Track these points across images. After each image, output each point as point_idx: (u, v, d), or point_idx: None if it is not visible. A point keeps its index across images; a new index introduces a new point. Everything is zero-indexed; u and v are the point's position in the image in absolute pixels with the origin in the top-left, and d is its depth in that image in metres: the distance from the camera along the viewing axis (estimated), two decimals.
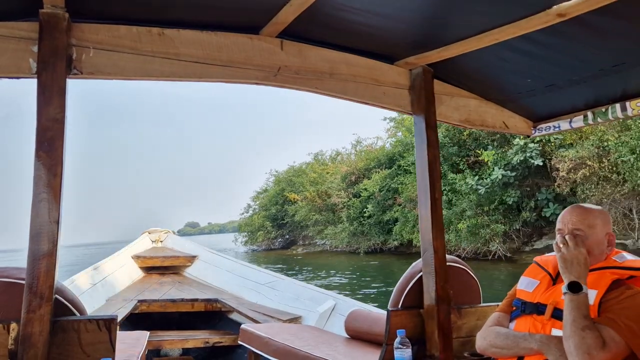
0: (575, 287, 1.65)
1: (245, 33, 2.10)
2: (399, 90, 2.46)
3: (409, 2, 1.90)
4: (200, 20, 2.00)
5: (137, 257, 6.43)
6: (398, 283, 2.54)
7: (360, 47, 2.33)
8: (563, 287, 1.68)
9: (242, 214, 42.26)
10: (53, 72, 1.75)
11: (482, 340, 1.92)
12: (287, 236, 37.49)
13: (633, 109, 2.43)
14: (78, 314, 1.89)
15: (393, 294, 2.53)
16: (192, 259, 6.64)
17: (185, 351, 4.69)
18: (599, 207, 1.88)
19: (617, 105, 2.49)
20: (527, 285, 1.92)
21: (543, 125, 2.84)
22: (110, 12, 1.88)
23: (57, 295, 1.77)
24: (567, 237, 1.76)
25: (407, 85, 2.48)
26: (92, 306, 4.66)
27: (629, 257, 1.79)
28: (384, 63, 2.43)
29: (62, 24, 1.76)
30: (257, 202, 40.78)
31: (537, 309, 1.80)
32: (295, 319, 4.48)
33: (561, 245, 1.74)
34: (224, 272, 6.19)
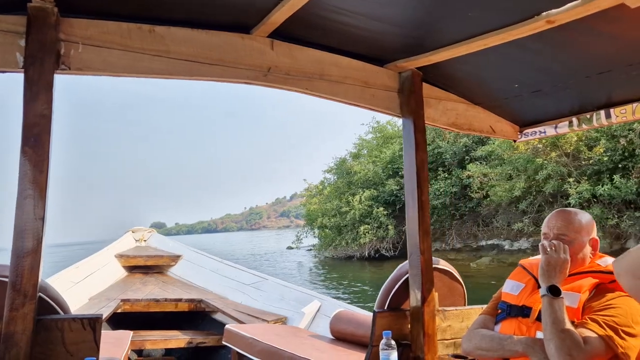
0: (556, 291, 1.68)
1: (236, 32, 2.09)
2: (389, 93, 2.47)
3: (400, 6, 1.92)
4: (192, 18, 1.99)
5: (120, 256, 6.36)
6: (384, 285, 2.56)
7: (350, 49, 2.34)
8: (542, 290, 1.71)
9: (309, 196, 25.50)
10: (40, 67, 1.72)
11: (468, 343, 1.94)
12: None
13: (617, 116, 2.48)
14: (62, 313, 1.87)
15: (379, 295, 2.54)
16: (176, 258, 6.59)
17: (168, 351, 4.65)
18: (585, 212, 1.91)
19: (602, 112, 2.53)
20: (512, 289, 1.94)
21: (529, 130, 2.88)
22: (100, 8, 1.86)
23: (40, 294, 1.75)
24: (555, 242, 1.79)
25: (397, 88, 2.49)
26: (74, 305, 4.60)
27: (611, 261, 1.82)
28: (374, 65, 2.44)
29: (51, 19, 1.74)
30: (340, 175, 23.88)
31: (522, 311, 1.83)
32: (280, 320, 4.47)
33: (549, 250, 1.77)
34: (209, 272, 6.15)
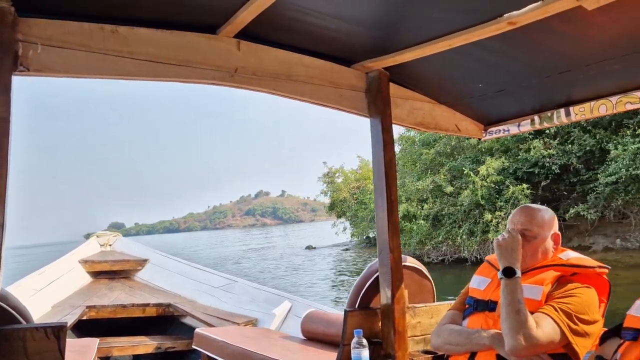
0: (509, 272, 1.74)
1: (202, 32, 2.06)
2: (356, 93, 2.48)
3: (366, 7, 1.93)
4: (156, 18, 1.95)
5: (84, 262, 6.20)
6: (355, 283, 2.57)
7: (317, 50, 2.34)
8: (499, 273, 1.77)
9: (331, 182, 20.80)
10: None
11: (437, 338, 1.98)
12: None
13: (576, 114, 2.57)
14: (24, 322, 1.81)
15: (350, 294, 2.56)
16: (142, 262, 6.47)
17: (136, 358, 4.56)
18: (547, 208, 1.98)
19: (562, 110, 2.62)
20: (479, 284, 1.99)
21: (493, 129, 2.95)
22: (60, 8, 1.81)
23: (1, 303, 1.69)
24: (505, 234, 1.87)
25: (364, 88, 2.50)
26: (37, 314, 4.46)
27: (572, 255, 1.89)
28: (341, 66, 2.45)
29: (8, 19, 1.67)
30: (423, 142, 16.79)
31: (488, 306, 1.88)
32: (250, 322, 4.45)
33: (499, 237, 1.86)
34: (177, 276, 6.06)
